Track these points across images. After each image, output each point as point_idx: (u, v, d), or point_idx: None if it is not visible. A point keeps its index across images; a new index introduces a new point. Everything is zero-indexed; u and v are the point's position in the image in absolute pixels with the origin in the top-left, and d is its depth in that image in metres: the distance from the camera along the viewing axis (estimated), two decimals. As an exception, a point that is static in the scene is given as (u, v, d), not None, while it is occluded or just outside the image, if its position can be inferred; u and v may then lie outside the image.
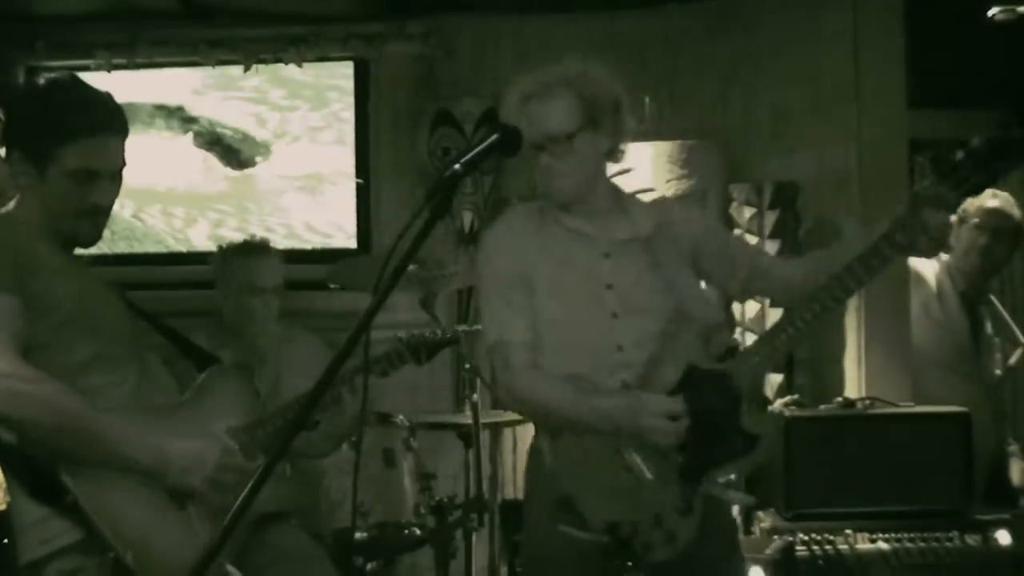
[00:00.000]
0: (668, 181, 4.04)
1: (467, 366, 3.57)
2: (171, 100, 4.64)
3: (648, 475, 2.38)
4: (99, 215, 2.37)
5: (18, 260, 2.24)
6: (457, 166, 1.80)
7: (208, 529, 2.29)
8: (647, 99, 4.17)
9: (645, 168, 4.04)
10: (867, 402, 3.53)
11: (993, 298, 3.83)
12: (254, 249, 3.61)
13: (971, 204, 3.88)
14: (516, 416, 4.11)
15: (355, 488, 2.26)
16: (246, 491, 1.65)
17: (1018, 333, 3.83)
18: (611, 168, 4.03)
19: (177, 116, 4.65)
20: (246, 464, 2.35)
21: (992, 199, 3.87)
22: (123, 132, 2.37)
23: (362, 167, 4.55)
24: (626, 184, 4.00)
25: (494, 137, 1.86)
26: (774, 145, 4.13)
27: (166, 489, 2.28)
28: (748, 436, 2.41)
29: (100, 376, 2.32)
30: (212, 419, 2.44)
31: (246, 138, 4.65)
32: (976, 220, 3.85)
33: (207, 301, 3.63)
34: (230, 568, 2.27)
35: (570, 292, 2.49)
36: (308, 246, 4.57)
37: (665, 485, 2.41)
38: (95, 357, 2.31)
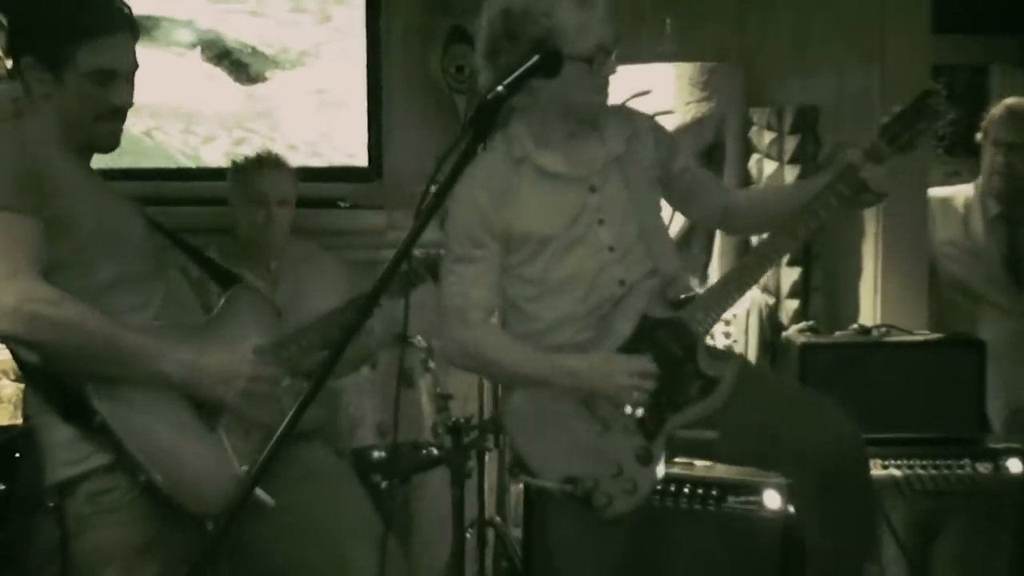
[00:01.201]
0: (688, 104, 3.99)
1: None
2: (178, 14, 4.56)
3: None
4: (118, 118, 2.36)
5: (38, 178, 2.21)
6: (500, 88, 1.79)
7: (238, 450, 2.30)
8: (668, 20, 4.09)
9: (666, 90, 4.00)
10: (883, 329, 3.54)
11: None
12: (265, 162, 3.61)
13: (988, 119, 3.84)
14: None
15: (397, 407, 2.21)
16: (285, 421, 1.64)
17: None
18: (630, 89, 4.02)
19: (185, 29, 4.57)
20: (278, 374, 2.37)
21: (1002, 108, 3.80)
22: (136, 31, 2.37)
23: (373, 84, 4.47)
24: (646, 106, 4.01)
25: (536, 59, 1.86)
26: (795, 68, 4.07)
27: (198, 406, 2.28)
28: (707, 379, 2.45)
29: (123, 297, 2.31)
30: (237, 338, 2.44)
31: (255, 52, 4.57)
32: (992, 137, 3.78)
33: (217, 218, 3.61)
34: (260, 492, 2.26)
35: (562, 237, 2.48)
36: (317, 163, 4.52)
37: (625, 435, 2.44)
38: (118, 278, 2.30)
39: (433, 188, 1.80)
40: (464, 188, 2.51)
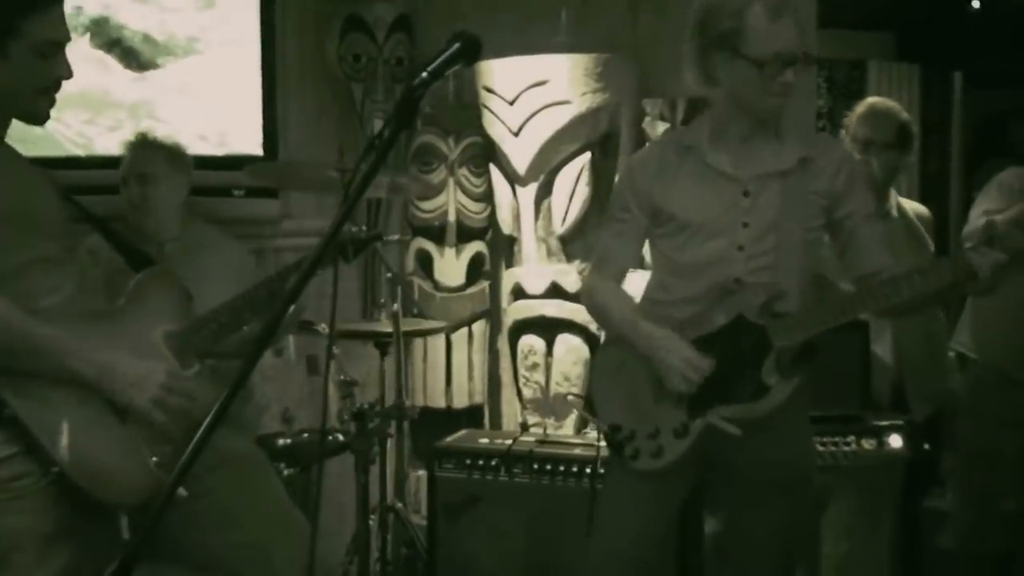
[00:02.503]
0: (583, 94, 4.06)
1: (389, 274, 3.59)
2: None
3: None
4: (56, 91, 2.31)
5: None
6: (425, 74, 1.83)
7: (146, 440, 2.28)
8: (563, 12, 4.17)
9: (562, 80, 4.06)
10: (771, 313, 3.66)
11: (898, 210, 3.89)
12: (136, 140, 3.59)
13: (852, 115, 3.97)
14: (430, 325, 4.20)
15: (326, 395, 2.22)
16: (201, 430, 1.65)
17: (927, 239, 3.90)
18: (527, 79, 4.08)
19: (73, 17, 4.47)
20: (191, 388, 2.34)
21: (864, 106, 3.91)
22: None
23: (268, 72, 4.44)
24: (543, 96, 4.08)
25: (457, 46, 1.89)
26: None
27: (109, 402, 2.26)
28: (761, 387, 2.59)
29: (35, 281, 2.27)
30: (148, 324, 2.42)
31: (147, 39, 4.50)
32: (852, 133, 3.89)
33: (110, 206, 3.55)
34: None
35: (703, 228, 2.63)
36: (212, 151, 4.47)
37: (674, 406, 2.64)
38: (31, 261, 2.27)
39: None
40: (631, 159, 2.86)
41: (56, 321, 2.25)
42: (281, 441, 3.19)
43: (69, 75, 2.31)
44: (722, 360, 2.60)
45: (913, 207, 4.01)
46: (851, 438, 3.47)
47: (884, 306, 2.59)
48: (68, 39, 2.30)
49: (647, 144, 2.92)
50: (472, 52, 1.91)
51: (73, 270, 2.38)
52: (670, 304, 2.71)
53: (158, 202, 3.46)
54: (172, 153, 3.58)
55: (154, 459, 2.29)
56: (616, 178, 2.96)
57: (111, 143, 4.33)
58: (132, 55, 4.45)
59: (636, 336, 2.68)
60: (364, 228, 2.91)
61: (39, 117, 2.35)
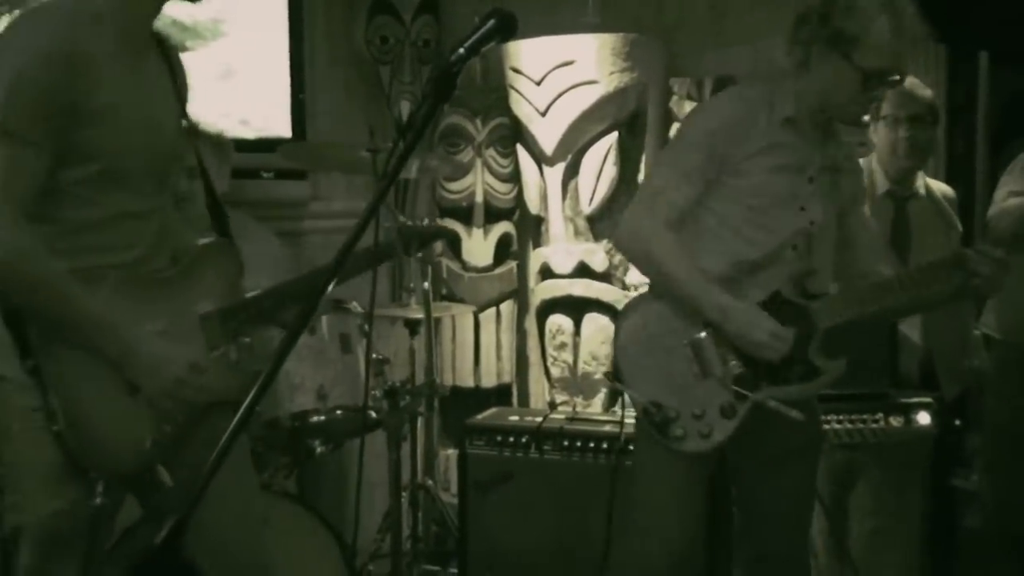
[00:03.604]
0: (611, 74, 4.08)
1: (419, 255, 3.61)
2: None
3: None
4: None
5: (69, 106, 2.13)
6: (461, 50, 1.84)
7: (151, 420, 2.30)
8: (590, -8, 4.18)
9: (590, 60, 4.08)
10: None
11: (926, 190, 3.89)
12: (188, 130, 3.59)
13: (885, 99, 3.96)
14: (462, 307, 4.23)
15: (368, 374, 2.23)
16: (245, 403, 1.63)
17: (955, 220, 3.89)
18: (554, 59, 4.09)
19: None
20: (205, 385, 2.33)
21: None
22: None
23: (296, 54, 4.48)
24: (571, 76, 4.10)
25: (492, 22, 1.89)
26: (713, 41, 4.19)
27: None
28: (810, 368, 2.60)
29: (113, 235, 2.28)
30: (195, 297, 2.43)
31: (175, 23, 4.53)
32: (889, 113, 3.89)
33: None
34: (160, 470, 2.28)
35: (773, 198, 2.61)
36: (241, 134, 4.51)
37: (719, 385, 2.60)
38: (114, 216, 2.27)
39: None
40: (729, 103, 2.70)
41: (113, 280, 2.27)
42: (315, 418, 3.21)
43: None
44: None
45: (940, 188, 4.01)
46: (879, 415, 3.47)
47: (916, 296, 2.58)
48: None
49: (727, 94, 2.83)
50: (507, 29, 1.91)
51: (155, 225, 2.36)
52: (720, 256, 2.64)
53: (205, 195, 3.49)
54: (217, 144, 3.61)
55: (150, 440, 2.30)
56: (699, 115, 2.78)
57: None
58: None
59: (708, 305, 2.57)
60: (428, 223, 2.90)
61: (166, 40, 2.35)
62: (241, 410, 1.63)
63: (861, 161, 4.08)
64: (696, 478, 2.70)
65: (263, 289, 2.55)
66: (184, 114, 2.45)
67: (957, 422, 3.74)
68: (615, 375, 2.74)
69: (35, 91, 2.10)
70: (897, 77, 2.55)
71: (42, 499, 2.28)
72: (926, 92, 3.85)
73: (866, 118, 3.99)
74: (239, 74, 4.45)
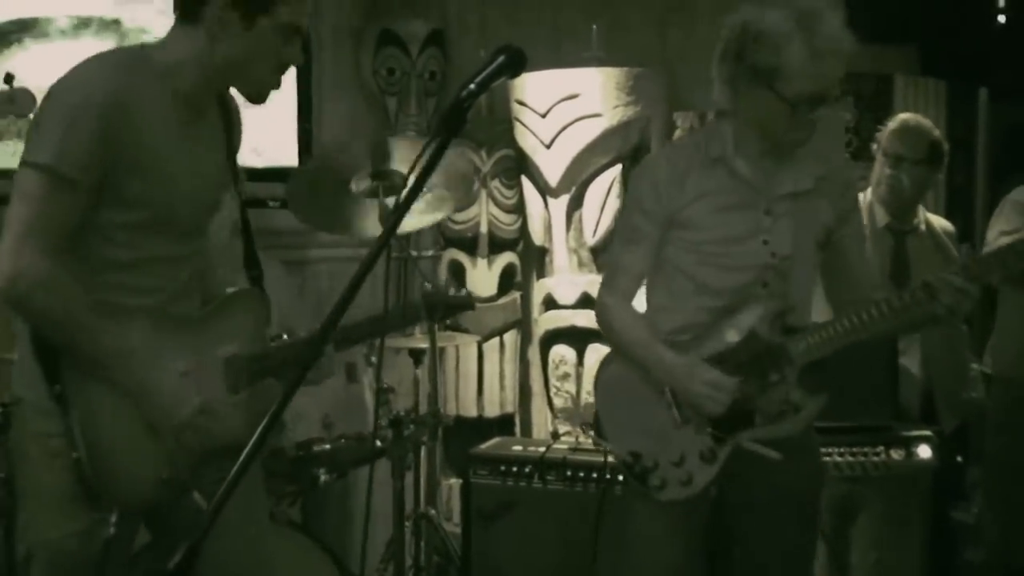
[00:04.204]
0: (615, 107, 4.12)
1: (427, 285, 3.64)
2: (105, 12, 4.53)
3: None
4: (284, 72, 2.34)
5: (116, 152, 2.17)
6: (472, 86, 1.86)
7: (169, 454, 2.31)
8: (594, 27, 4.23)
9: (594, 93, 4.13)
10: (801, 324, 3.69)
11: (926, 225, 3.92)
12: None
13: (884, 131, 4.00)
14: (466, 337, 4.26)
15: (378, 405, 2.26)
16: (252, 441, 1.66)
17: (955, 254, 3.89)
18: (559, 93, 4.14)
19: (112, 29, 4.55)
20: (213, 429, 2.34)
21: (896, 122, 3.94)
22: None
23: (304, 85, 4.53)
24: (575, 109, 4.14)
25: (502, 58, 1.91)
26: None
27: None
28: (790, 406, 2.54)
29: (152, 277, 2.31)
30: (220, 341, 2.44)
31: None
32: (883, 148, 3.92)
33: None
34: (197, 496, 2.28)
35: (727, 239, 2.55)
36: (248, 164, 4.54)
37: (697, 432, 2.56)
38: (148, 259, 2.30)
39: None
40: (646, 167, 2.71)
41: (142, 319, 2.28)
42: (320, 447, 3.23)
43: (300, 61, 2.33)
44: (743, 379, 2.51)
45: (939, 222, 4.04)
46: (880, 448, 3.48)
47: (897, 326, 2.53)
48: (307, 29, 2.32)
49: (660, 151, 2.78)
50: (516, 65, 1.92)
51: (186, 270, 2.38)
52: (672, 330, 2.60)
53: (218, 222, 3.53)
54: None
55: (166, 474, 2.31)
56: (632, 184, 2.74)
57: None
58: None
59: (653, 363, 2.57)
60: (456, 293, 2.93)
61: (262, 95, 2.35)
62: (250, 443, 1.65)
63: (860, 195, 4.13)
64: (682, 527, 2.63)
65: (290, 340, 2.57)
66: (233, 168, 2.48)
67: (959, 458, 3.75)
68: (595, 428, 2.72)
69: (87, 137, 2.13)
70: (830, 96, 2.43)
71: (54, 523, 2.29)
72: (932, 133, 3.87)
73: (874, 147, 4.04)
74: (245, 103, 4.49)
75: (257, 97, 2.36)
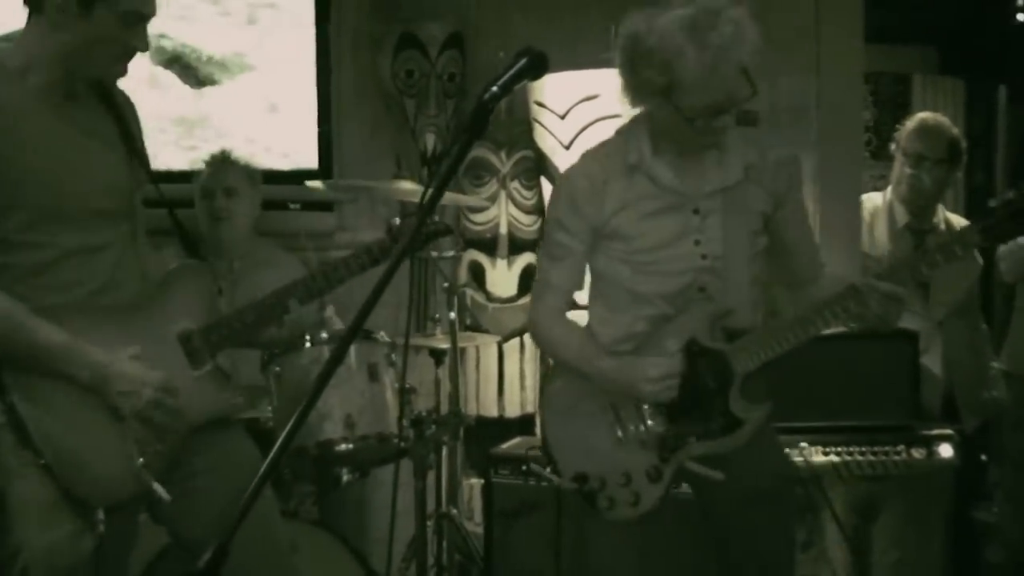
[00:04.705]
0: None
1: (445, 284, 3.67)
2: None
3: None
4: (129, 60, 2.36)
5: None
6: (495, 88, 1.88)
7: (139, 439, 2.33)
8: (613, 27, 4.22)
9: (613, 95, 4.11)
10: (822, 324, 3.69)
11: (945, 224, 3.92)
12: (214, 157, 3.73)
13: (902, 130, 4.01)
14: (486, 337, 4.28)
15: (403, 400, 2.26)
16: (282, 437, 1.65)
17: (975, 254, 3.90)
18: (578, 94, 4.14)
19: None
20: (176, 406, 2.36)
21: (915, 121, 3.95)
22: None
23: (323, 87, 4.55)
24: (594, 111, 4.14)
25: (524, 61, 1.93)
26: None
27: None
28: (732, 419, 2.48)
29: (71, 272, 2.33)
30: (170, 320, 2.46)
31: (204, 56, 4.61)
32: (903, 147, 3.93)
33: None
34: (156, 486, 2.30)
35: (657, 245, 2.49)
36: (268, 166, 4.57)
37: (642, 449, 2.51)
38: (65, 254, 2.32)
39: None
40: (565, 180, 2.63)
41: (75, 314, 2.30)
42: (342, 447, 3.24)
43: (145, 48, 2.34)
44: (684, 391, 2.47)
45: (959, 222, 4.05)
46: (901, 447, 3.49)
47: (824, 328, 2.46)
48: (154, 14, 2.33)
49: (577, 163, 2.64)
50: (538, 67, 1.95)
51: (111, 257, 2.39)
52: (613, 341, 2.56)
53: (240, 215, 3.59)
54: (250, 171, 3.71)
55: (141, 460, 2.31)
56: (552, 200, 2.69)
57: (169, 158, 4.45)
58: (190, 72, 4.57)
59: (595, 374, 2.52)
60: (453, 253, 2.87)
61: (106, 84, 2.40)
62: (277, 444, 1.65)
63: (876, 195, 4.14)
64: (639, 542, 2.57)
65: (246, 303, 2.57)
66: (135, 152, 2.49)
67: (983, 457, 3.75)
68: (543, 448, 2.65)
69: None
70: (730, 105, 2.36)
71: (40, 531, 2.29)
72: (951, 131, 3.90)
73: (892, 147, 4.05)
74: (265, 106, 4.52)
75: (111, 83, 2.40)
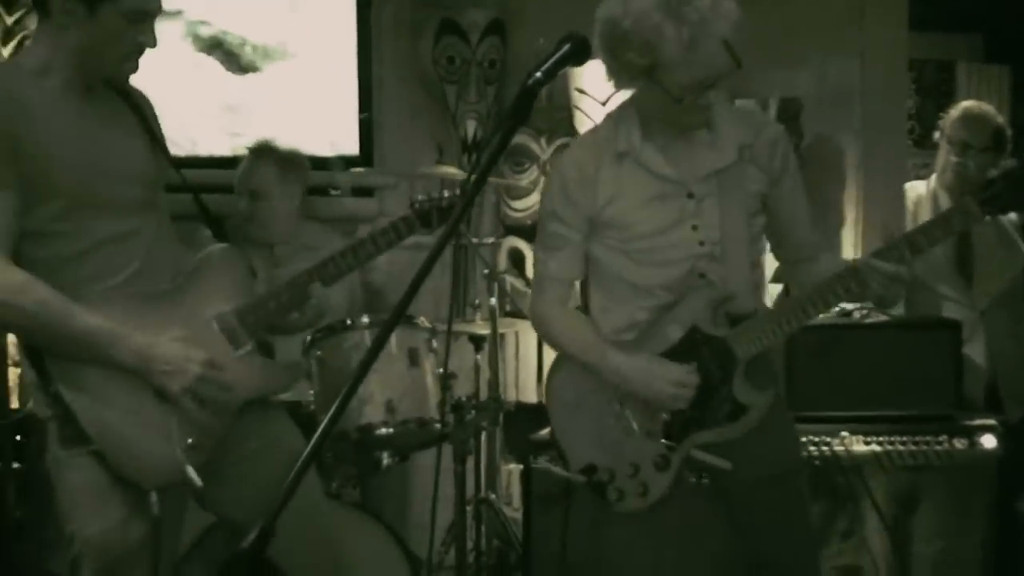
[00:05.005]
0: (674, 95, 4.11)
1: (486, 271, 3.67)
2: (169, 4, 4.59)
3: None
4: (139, 56, 2.38)
5: (11, 140, 2.23)
6: (539, 74, 1.87)
7: (189, 420, 2.36)
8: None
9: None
10: (863, 312, 3.67)
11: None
12: (259, 150, 3.73)
13: (946, 118, 3.98)
14: (525, 324, 4.27)
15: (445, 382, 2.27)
16: (325, 421, 1.64)
17: (1019, 243, 3.88)
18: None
19: (177, 20, 4.61)
20: (226, 379, 2.39)
21: (959, 110, 3.92)
22: None
23: (364, 74, 4.57)
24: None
25: (568, 47, 1.92)
26: (778, 62, 4.20)
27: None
28: (737, 406, 2.45)
29: (103, 261, 2.36)
30: (206, 303, 2.49)
31: (246, 43, 4.64)
32: (948, 135, 3.90)
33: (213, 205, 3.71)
34: (190, 471, 2.31)
35: (653, 233, 2.45)
36: (309, 152, 4.59)
37: (648, 439, 2.48)
38: (99, 242, 2.34)
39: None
40: (558, 170, 2.59)
41: (113, 302, 2.33)
42: (382, 431, 3.26)
43: (153, 44, 2.36)
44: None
45: (1003, 212, 4.01)
46: (943, 437, 3.47)
47: (825, 309, 2.41)
48: (159, 11, 2.36)
49: (567, 152, 2.60)
50: (582, 53, 1.94)
51: (145, 242, 2.41)
52: (614, 330, 2.52)
53: (266, 215, 3.62)
54: (286, 164, 3.71)
55: (189, 440, 2.34)
56: (545, 193, 2.62)
57: (211, 144, 4.49)
58: (233, 58, 4.59)
59: (606, 368, 2.46)
60: (449, 195, 2.85)
61: (122, 81, 2.43)
62: (320, 429, 1.65)
63: (920, 184, 4.11)
64: (653, 531, 2.52)
65: (281, 282, 2.59)
66: (155, 140, 2.52)
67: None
68: (552, 441, 2.64)
69: None
70: (716, 79, 2.29)
71: (92, 519, 2.33)
72: (997, 119, 3.86)
73: (936, 135, 4.01)
74: (306, 92, 4.54)
75: (115, 80, 2.42)
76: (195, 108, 4.53)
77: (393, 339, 3.30)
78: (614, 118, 2.52)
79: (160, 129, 2.59)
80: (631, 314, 2.51)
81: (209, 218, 2.65)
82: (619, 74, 2.36)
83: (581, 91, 4.29)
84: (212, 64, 4.56)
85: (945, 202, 3.96)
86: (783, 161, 2.50)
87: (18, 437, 3.49)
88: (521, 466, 3.87)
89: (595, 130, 2.60)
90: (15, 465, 3.36)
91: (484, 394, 3.88)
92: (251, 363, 2.50)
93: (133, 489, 2.32)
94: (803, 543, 2.67)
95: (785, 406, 2.65)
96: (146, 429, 2.32)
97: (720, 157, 2.43)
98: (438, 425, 3.31)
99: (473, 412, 3.51)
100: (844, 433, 3.45)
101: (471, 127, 4.52)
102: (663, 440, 2.47)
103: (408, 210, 2.76)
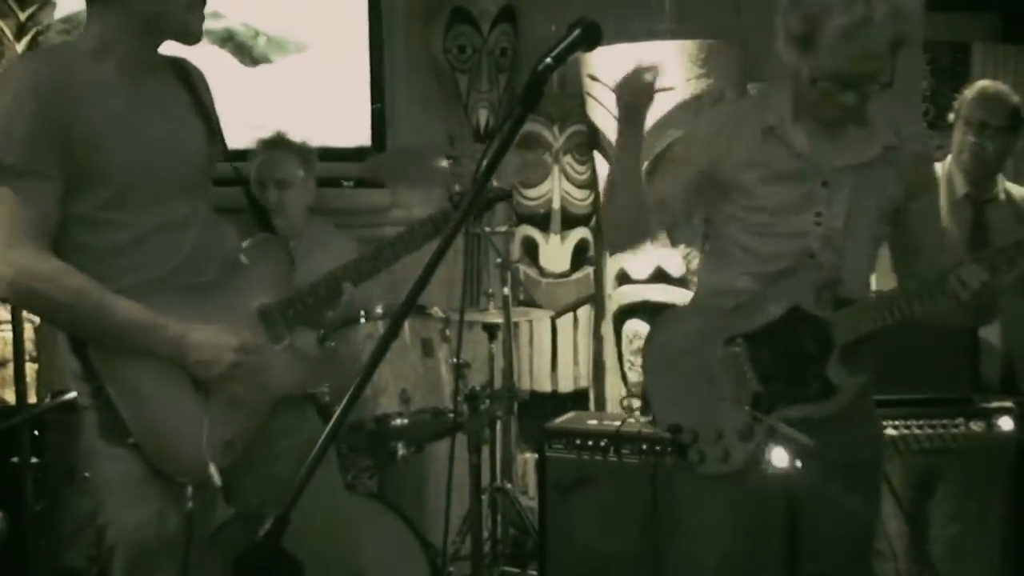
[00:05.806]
0: (688, 80, 4.10)
1: (499, 260, 3.67)
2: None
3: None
4: (204, 6, 2.35)
5: (61, 129, 2.20)
6: (549, 60, 1.86)
7: (225, 414, 2.35)
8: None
9: (668, 67, 4.08)
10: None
11: (1006, 194, 3.86)
12: (267, 144, 3.73)
13: (961, 99, 3.95)
14: (539, 312, 4.28)
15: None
16: (338, 411, 1.65)
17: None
18: (631, 66, 4.12)
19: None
20: (263, 359, 2.39)
21: (975, 90, 3.89)
22: None
23: (376, 64, 4.57)
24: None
25: (578, 32, 1.91)
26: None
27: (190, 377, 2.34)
28: (828, 385, 2.47)
29: (150, 251, 2.34)
30: (246, 295, 2.48)
31: (258, 34, 4.64)
32: (964, 116, 3.87)
33: (226, 198, 3.70)
34: (212, 470, 2.31)
35: (777, 210, 2.48)
36: (321, 143, 4.60)
37: (736, 407, 2.52)
38: (147, 232, 2.32)
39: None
40: (706, 121, 2.68)
41: (155, 293, 2.31)
42: (398, 421, 3.27)
43: None
44: (783, 355, 2.48)
45: (1020, 192, 3.98)
46: (960, 420, 3.46)
47: (930, 307, 2.40)
48: None
49: (713, 111, 2.71)
50: (593, 37, 1.92)
51: (190, 234, 2.39)
52: (712, 293, 2.59)
53: (293, 205, 3.62)
54: (303, 155, 3.72)
55: (227, 438, 2.35)
56: (690, 131, 2.67)
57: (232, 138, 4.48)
58: (245, 51, 4.60)
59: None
60: (506, 228, 2.83)
61: (192, 35, 2.36)
62: (335, 416, 1.65)
63: (935, 165, 4.08)
64: (741, 504, 2.52)
65: (319, 277, 2.58)
66: (211, 127, 2.49)
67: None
68: (643, 397, 2.71)
69: (26, 122, 2.17)
70: (856, 80, 2.30)
71: (128, 510, 2.33)
72: (1013, 98, 3.83)
73: (951, 116, 3.99)
74: (318, 83, 4.55)
75: (187, 37, 2.37)
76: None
77: (406, 329, 3.32)
78: (762, 95, 2.60)
79: (215, 109, 2.56)
80: (734, 279, 2.55)
81: (256, 208, 2.65)
82: (781, 37, 2.39)
83: (593, 77, 4.27)
84: (221, 56, 4.56)
85: (960, 184, 3.94)
86: (925, 177, 2.56)
87: (36, 432, 3.51)
88: (536, 455, 3.88)
89: (735, 104, 2.78)
90: (33, 460, 3.37)
91: (498, 383, 3.89)
92: (289, 358, 2.50)
93: (169, 483, 2.32)
94: (861, 540, 2.66)
95: (873, 397, 2.66)
96: (184, 424, 2.32)
97: (863, 152, 2.46)
98: (452, 415, 3.32)
99: (488, 401, 3.52)
100: (860, 417, 3.43)
101: (483, 116, 4.52)
102: (750, 410, 2.51)
103: (446, 203, 2.75)
